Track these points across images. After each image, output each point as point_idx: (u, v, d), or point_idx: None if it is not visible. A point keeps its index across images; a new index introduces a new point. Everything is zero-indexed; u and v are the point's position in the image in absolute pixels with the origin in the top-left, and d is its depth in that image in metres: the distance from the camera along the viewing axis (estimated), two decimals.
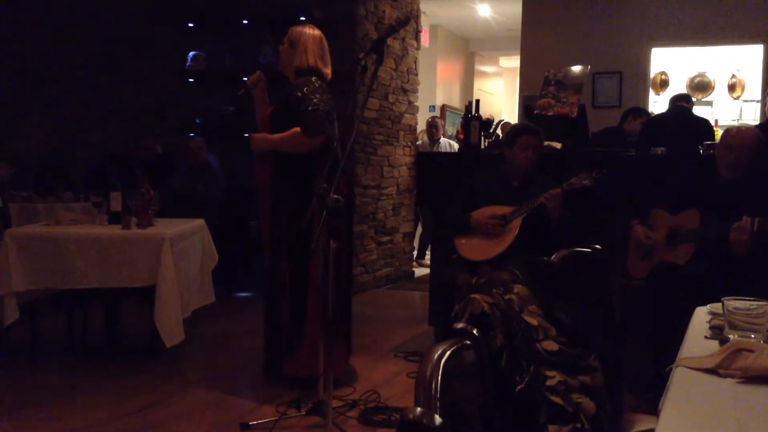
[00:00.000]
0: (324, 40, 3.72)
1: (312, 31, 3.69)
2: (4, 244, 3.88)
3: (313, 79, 3.56)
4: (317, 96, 3.50)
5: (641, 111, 6.17)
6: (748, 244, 3.22)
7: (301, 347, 3.56)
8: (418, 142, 7.96)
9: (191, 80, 6.76)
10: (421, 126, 8.21)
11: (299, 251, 3.51)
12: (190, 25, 6.68)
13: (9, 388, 3.66)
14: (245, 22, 6.44)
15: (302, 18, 5.85)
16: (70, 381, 3.80)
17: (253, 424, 3.11)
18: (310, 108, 3.47)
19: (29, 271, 3.89)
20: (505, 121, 7.01)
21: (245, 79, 3.89)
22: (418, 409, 0.94)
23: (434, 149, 7.88)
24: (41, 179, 6.36)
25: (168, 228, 4.04)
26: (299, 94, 3.51)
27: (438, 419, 0.91)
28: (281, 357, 3.64)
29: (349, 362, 3.90)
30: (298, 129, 3.48)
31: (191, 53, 6.64)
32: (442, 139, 8.09)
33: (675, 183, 3.74)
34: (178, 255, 3.99)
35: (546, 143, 4.30)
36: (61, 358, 4.25)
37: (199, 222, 4.55)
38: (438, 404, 0.97)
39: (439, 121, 8.26)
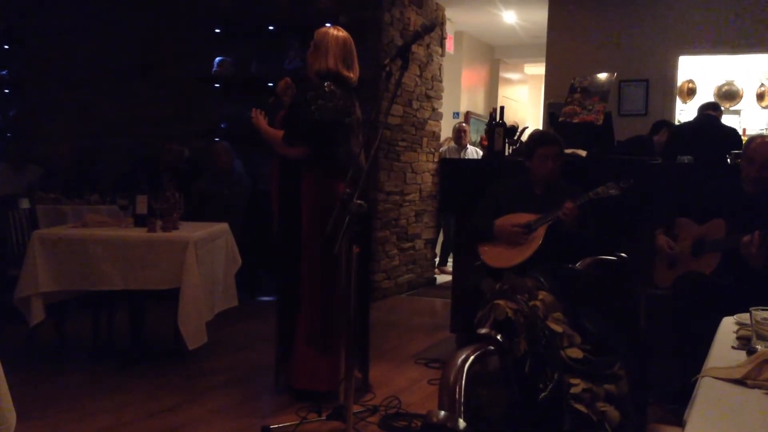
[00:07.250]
0: (349, 42, 3.62)
1: (336, 33, 3.61)
2: (32, 245, 3.92)
3: (326, 84, 3.48)
4: (320, 102, 3.42)
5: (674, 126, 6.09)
6: (760, 258, 3.15)
7: (294, 357, 3.57)
8: (443, 148, 7.94)
9: (217, 85, 6.81)
10: (445, 133, 8.20)
11: (292, 256, 3.55)
12: (217, 30, 6.74)
13: (35, 388, 3.69)
14: (271, 28, 6.49)
15: (328, 24, 5.87)
16: (95, 382, 3.85)
17: (274, 428, 3.12)
18: (301, 116, 3.44)
19: (55, 272, 3.93)
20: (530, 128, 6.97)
21: (270, 84, 3.90)
22: (442, 412, 0.93)
23: (461, 155, 7.85)
24: (69, 182, 6.44)
25: (193, 231, 4.07)
26: (301, 98, 3.49)
27: (462, 423, 0.90)
28: (284, 366, 3.67)
29: (356, 377, 3.82)
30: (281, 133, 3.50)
31: (217, 59, 6.70)
32: (470, 147, 8.06)
33: (701, 192, 3.69)
34: (203, 258, 4.01)
35: (570, 151, 4.26)
36: (87, 359, 4.29)
37: (224, 226, 4.58)
38: (462, 408, 0.96)
39: (467, 127, 8.23)
